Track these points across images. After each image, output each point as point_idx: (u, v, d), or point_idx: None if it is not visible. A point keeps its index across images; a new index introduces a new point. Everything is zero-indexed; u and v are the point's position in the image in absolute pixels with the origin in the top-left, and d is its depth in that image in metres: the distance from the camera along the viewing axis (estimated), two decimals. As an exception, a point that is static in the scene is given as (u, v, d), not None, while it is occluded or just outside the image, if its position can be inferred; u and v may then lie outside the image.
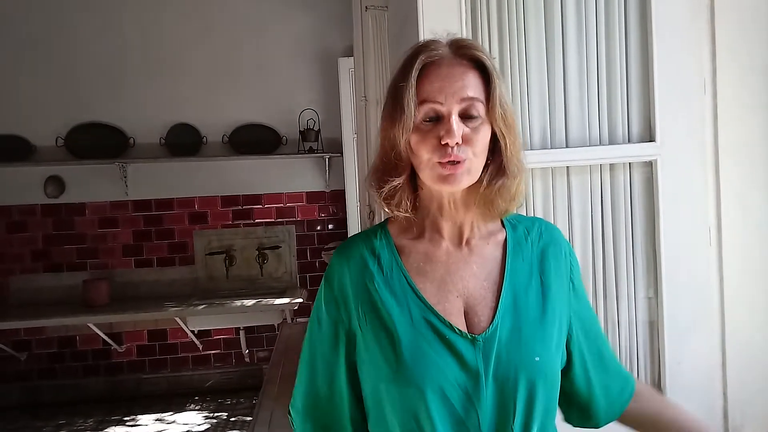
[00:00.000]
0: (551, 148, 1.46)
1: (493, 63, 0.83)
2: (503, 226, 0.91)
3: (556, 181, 1.47)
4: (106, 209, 4.17)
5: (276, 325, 4.13)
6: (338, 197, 4.30)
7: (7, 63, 4.03)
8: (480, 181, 0.83)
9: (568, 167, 1.47)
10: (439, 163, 0.80)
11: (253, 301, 3.91)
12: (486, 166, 0.84)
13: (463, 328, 0.82)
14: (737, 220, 1.42)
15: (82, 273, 4.11)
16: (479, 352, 0.81)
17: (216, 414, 3.87)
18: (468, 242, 0.87)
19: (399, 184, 0.84)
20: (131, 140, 4.15)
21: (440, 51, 0.82)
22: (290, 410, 0.94)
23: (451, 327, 0.82)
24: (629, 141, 1.45)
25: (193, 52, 4.16)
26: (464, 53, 0.82)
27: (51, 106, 4.06)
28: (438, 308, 0.83)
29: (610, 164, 1.46)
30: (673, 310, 1.42)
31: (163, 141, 4.16)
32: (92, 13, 4.10)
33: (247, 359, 4.31)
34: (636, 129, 1.45)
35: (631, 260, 1.46)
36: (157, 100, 4.14)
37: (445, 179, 0.80)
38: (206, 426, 3.68)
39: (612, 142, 1.45)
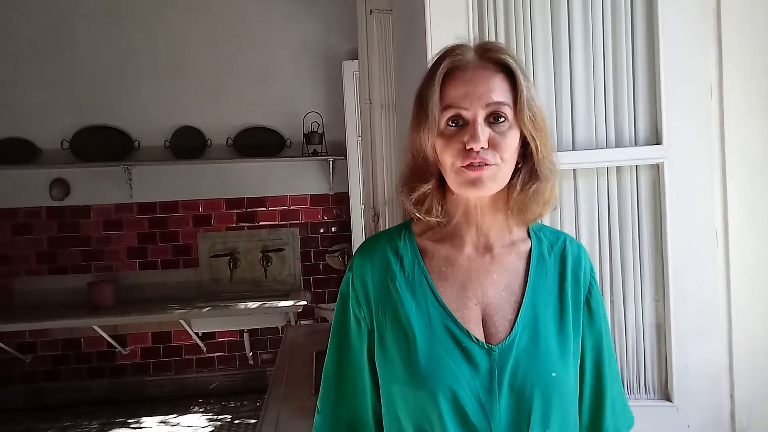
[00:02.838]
0: (558, 151, 1.45)
1: (521, 65, 0.81)
2: (529, 237, 0.90)
3: (563, 184, 1.47)
4: (110, 212, 4.18)
5: (280, 327, 4.14)
6: (342, 200, 4.30)
7: (13, 66, 4.05)
8: (512, 186, 0.83)
9: (574, 170, 1.47)
10: (464, 167, 0.79)
11: (258, 304, 3.91)
12: (518, 171, 0.83)
13: (481, 337, 0.82)
14: (744, 222, 1.42)
15: (87, 275, 4.13)
16: (494, 362, 0.80)
17: (220, 416, 3.88)
18: (490, 250, 0.86)
19: (428, 189, 0.84)
20: (136, 143, 4.16)
21: (466, 55, 0.81)
22: (317, 405, 0.93)
23: (468, 335, 0.81)
24: (636, 144, 1.45)
25: (197, 55, 4.18)
26: (490, 57, 0.81)
27: (56, 109, 4.08)
28: (457, 315, 0.83)
29: (617, 167, 1.46)
30: (679, 313, 1.41)
31: (167, 144, 4.18)
32: (98, 16, 4.12)
33: (251, 362, 4.32)
34: (643, 132, 1.45)
35: (638, 263, 1.46)
36: (161, 103, 4.16)
37: (471, 183, 0.79)
38: (210, 428, 3.69)
39: (618, 144, 1.45)
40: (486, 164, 0.78)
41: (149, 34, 4.16)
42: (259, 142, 4.23)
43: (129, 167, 4.10)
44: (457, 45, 0.83)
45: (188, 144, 4.18)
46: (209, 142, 4.22)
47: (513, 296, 0.84)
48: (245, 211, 4.32)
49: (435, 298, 0.84)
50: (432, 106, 0.80)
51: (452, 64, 0.81)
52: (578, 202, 1.47)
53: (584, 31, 1.46)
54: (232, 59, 4.22)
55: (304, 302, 3.85)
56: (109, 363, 4.21)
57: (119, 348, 4.15)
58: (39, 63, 4.07)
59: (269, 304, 3.90)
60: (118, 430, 3.73)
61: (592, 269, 0.91)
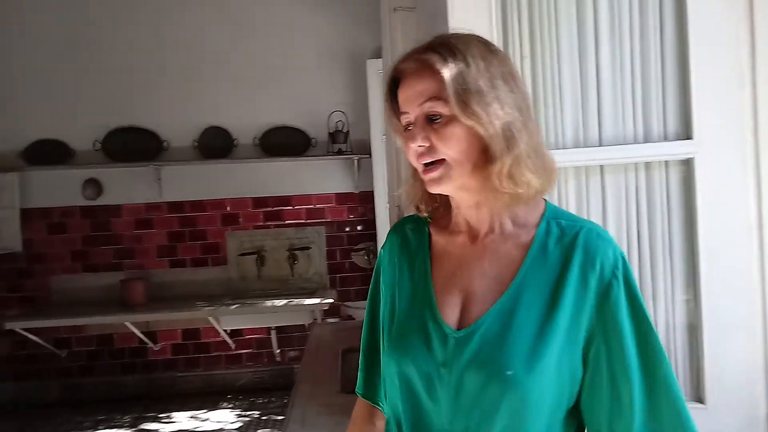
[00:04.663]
0: (584, 147, 1.43)
1: (447, 56, 0.78)
2: (539, 225, 0.84)
3: (590, 181, 1.44)
4: (141, 211, 4.27)
5: (306, 325, 4.17)
6: (367, 198, 4.31)
7: (48, 69, 4.17)
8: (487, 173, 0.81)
9: (601, 166, 1.44)
10: (423, 167, 0.82)
11: (284, 302, 3.95)
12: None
13: (450, 322, 0.82)
14: (780, 219, 1.37)
15: (119, 273, 4.22)
16: (450, 347, 0.80)
17: (248, 412, 3.93)
18: (483, 239, 0.84)
19: (410, 185, 0.89)
20: (165, 143, 4.24)
21: (405, 61, 0.83)
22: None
23: (435, 318, 0.83)
24: (665, 139, 1.41)
25: (224, 56, 4.24)
26: (417, 58, 0.81)
27: (89, 111, 4.19)
28: (438, 298, 0.84)
29: (646, 163, 1.43)
30: (712, 313, 1.38)
31: (195, 144, 4.25)
32: (129, 20, 4.21)
33: (278, 359, 4.36)
34: (672, 126, 1.42)
35: (668, 261, 1.42)
36: (190, 104, 4.23)
37: (428, 183, 0.82)
38: (239, 424, 3.74)
39: (647, 140, 1.42)
40: (435, 163, 0.80)
41: (178, 37, 4.23)
42: (285, 142, 4.26)
43: (158, 167, 4.18)
44: (405, 53, 0.84)
45: (216, 144, 4.24)
46: (236, 141, 4.27)
47: (500, 286, 0.81)
48: (272, 210, 4.36)
49: (426, 279, 0.87)
50: (388, 117, 0.85)
51: (396, 74, 0.84)
52: (606, 200, 1.45)
53: (610, 22, 1.42)
54: (258, 60, 4.26)
55: (330, 300, 3.86)
56: (140, 359, 4.30)
57: (150, 344, 4.24)
58: (72, 66, 4.18)
59: (296, 302, 3.94)
60: (150, 424, 3.81)
61: (617, 267, 0.79)
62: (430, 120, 0.80)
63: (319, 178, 4.32)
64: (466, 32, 0.83)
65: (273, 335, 4.28)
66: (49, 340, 4.10)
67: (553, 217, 0.84)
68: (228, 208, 4.33)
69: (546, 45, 1.44)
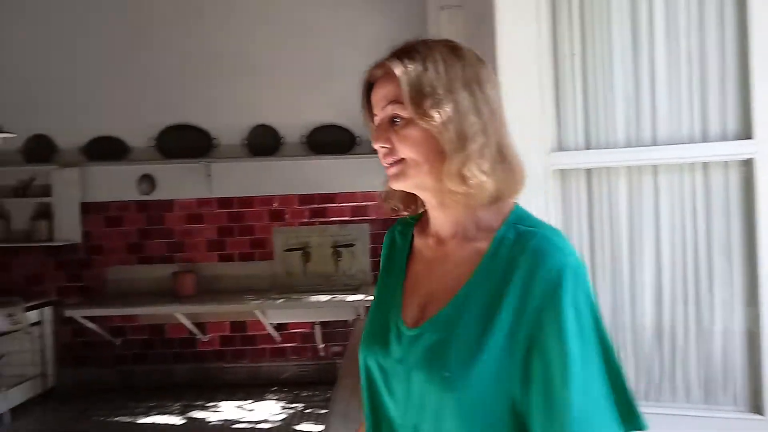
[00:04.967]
0: (637, 146, 1.39)
1: (406, 61, 0.81)
2: (499, 230, 0.83)
3: (643, 181, 1.40)
4: (192, 206, 4.41)
5: (350, 320, 4.21)
6: (412, 196, 4.30)
7: (106, 70, 4.35)
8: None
9: (655, 166, 1.39)
10: (386, 167, 0.86)
11: (328, 297, 4.00)
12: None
13: (409, 321, 0.85)
14: None
15: (170, 266, 4.37)
16: (404, 345, 0.83)
17: (292, 405, 4.00)
18: (449, 242, 0.86)
19: (388, 186, 0.90)
20: (215, 141, 4.36)
21: (374, 69, 0.87)
22: None
23: (396, 316, 0.87)
24: (724, 138, 1.35)
25: (272, 56, 4.32)
26: (382, 64, 0.85)
27: (144, 108, 4.35)
28: (406, 297, 0.88)
29: (703, 163, 1.37)
30: (773, 320, 1.31)
31: (244, 141, 4.35)
32: (181, 22, 4.35)
33: (322, 353, 4.42)
34: (732, 125, 1.36)
35: (727, 267, 1.36)
36: (239, 102, 4.33)
37: (389, 180, 0.86)
38: (283, 416, 3.82)
39: (705, 139, 1.36)
40: (394, 161, 0.83)
41: (227, 38, 4.34)
42: (331, 140, 4.31)
43: (209, 164, 4.30)
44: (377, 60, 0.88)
45: (263, 141, 4.34)
46: (283, 139, 4.35)
47: (455, 290, 0.82)
48: (317, 206, 4.42)
49: (399, 281, 0.91)
50: (364, 120, 0.91)
51: (369, 79, 0.88)
52: (659, 202, 1.40)
53: (666, 15, 1.37)
54: (304, 59, 4.32)
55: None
56: (190, 349, 4.44)
57: (200, 335, 4.38)
58: (130, 67, 4.35)
59: (339, 297, 3.98)
60: (198, 412, 3.94)
61: (563, 276, 0.74)
62: (393, 122, 0.83)
63: (364, 175, 4.34)
64: (437, 38, 0.87)
65: (317, 330, 4.34)
66: (105, 328, 4.29)
67: (516, 222, 0.82)
68: (275, 205, 4.42)
69: (597, 41, 1.41)
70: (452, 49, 0.84)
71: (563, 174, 1.46)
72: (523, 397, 0.76)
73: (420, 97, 0.80)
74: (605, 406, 0.75)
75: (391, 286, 0.91)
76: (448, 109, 0.79)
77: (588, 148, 1.44)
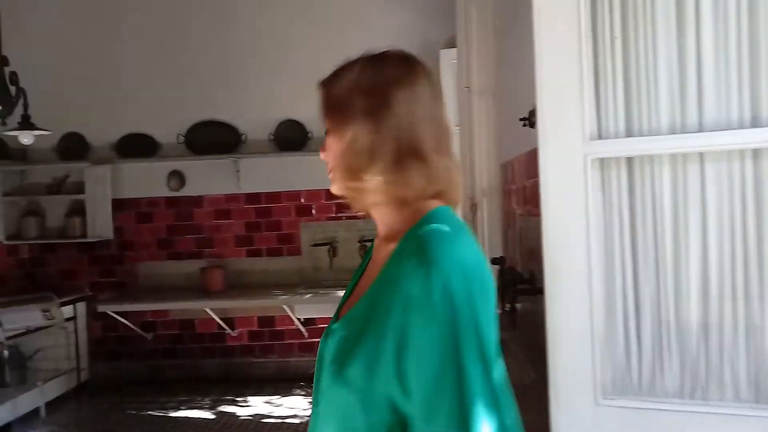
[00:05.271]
0: (682, 133, 1.33)
1: (329, 79, 0.96)
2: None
3: (689, 170, 1.33)
4: (221, 202, 4.44)
5: (377, 316, 4.19)
6: (439, 190, 4.26)
7: (136, 68, 4.41)
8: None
9: (701, 153, 1.33)
10: None
11: (356, 292, 3.98)
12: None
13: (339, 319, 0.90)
14: None
15: (199, 261, 4.42)
16: (324, 342, 0.91)
17: (320, 400, 4.00)
18: (378, 245, 0.93)
19: None
20: (243, 136, 4.38)
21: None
22: None
23: (335, 315, 0.94)
24: (777, 123, 1.28)
25: (298, 51, 4.31)
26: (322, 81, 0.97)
27: (172, 105, 4.40)
28: (350, 297, 0.93)
29: (753, 150, 1.30)
30: (830, 316, 1.24)
31: (272, 137, 4.35)
32: (208, 20, 4.38)
33: (349, 349, 4.41)
34: (785, 109, 1.28)
35: (779, 258, 1.29)
36: (266, 98, 4.34)
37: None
38: (311, 411, 3.82)
39: (755, 124, 1.29)
40: (330, 169, 0.92)
41: (254, 34, 4.35)
42: (358, 134, 4.29)
43: (237, 159, 4.32)
44: None
45: (291, 137, 4.34)
46: (310, 134, 4.35)
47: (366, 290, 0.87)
48: (344, 201, 4.40)
49: (354, 280, 0.97)
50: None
51: None
52: (705, 190, 1.33)
53: (715, -3, 1.30)
54: (330, 53, 4.22)
55: (401, 292, 3.86)
56: (219, 344, 4.48)
57: (228, 330, 4.41)
58: (160, 66, 4.40)
59: (367, 293, 3.96)
60: (227, 406, 3.97)
61: (430, 280, 0.75)
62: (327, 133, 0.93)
63: (391, 170, 4.31)
64: (372, 52, 0.98)
65: (344, 325, 4.33)
66: (136, 323, 4.36)
67: (424, 222, 0.83)
68: (302, 200, 4.42)
69: (640, 24, 1.35)
70: (376, 63, 0.95)
71: (603, 163, 1.40)
72: (402, 396, 0.76)
73: (330, 110, 0.92)
74: (455, 402, 0.72)
75: (350, 286, 0.98)
76: (354, 121, 0.87)
77: (629, 136, 1.38)
